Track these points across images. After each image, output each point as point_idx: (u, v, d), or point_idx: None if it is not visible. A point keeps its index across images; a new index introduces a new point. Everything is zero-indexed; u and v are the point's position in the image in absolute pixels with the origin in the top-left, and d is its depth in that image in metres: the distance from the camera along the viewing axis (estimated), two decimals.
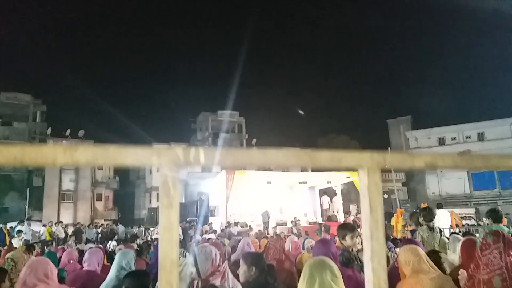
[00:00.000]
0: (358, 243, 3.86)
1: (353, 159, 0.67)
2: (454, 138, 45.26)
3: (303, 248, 6.11)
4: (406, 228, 12.32)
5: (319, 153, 0.65)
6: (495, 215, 5.42)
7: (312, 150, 0.64)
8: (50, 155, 0.60)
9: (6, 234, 15.58)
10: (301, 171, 38.15)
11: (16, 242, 14.44)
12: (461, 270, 2.70)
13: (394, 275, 2.72)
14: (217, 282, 2.64)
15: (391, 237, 6.66)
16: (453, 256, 4.59)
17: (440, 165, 0.72)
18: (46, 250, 9.20)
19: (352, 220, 18.99)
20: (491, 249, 2.16)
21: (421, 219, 5.35)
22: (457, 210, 21.03)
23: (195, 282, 2.82)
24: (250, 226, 17.88)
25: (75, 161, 0.61)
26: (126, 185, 41.23)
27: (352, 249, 3.68)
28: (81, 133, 36.07)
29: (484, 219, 6.95)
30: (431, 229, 5.28)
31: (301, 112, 48.14)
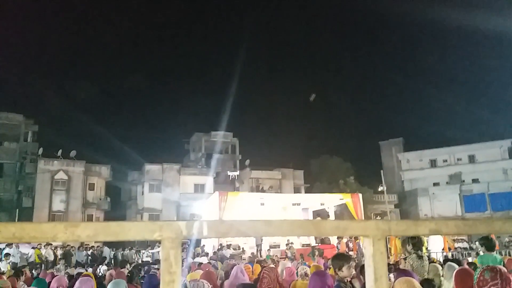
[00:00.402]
0: (353, 272, 3.83)
1: (358, 228, 0.67)
2: (446, 160, 45.68)
3: (297, 274, 6.03)
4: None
5: (325, 222, 0.65)
6: (488, 243, 5.43)
7: (317, 221, 0.63)
8: (49, 232, 0.59)
9: None
10: (295, 192, 38.27)
11: (4, 266, 14.07)
12: None
13: None
14: None
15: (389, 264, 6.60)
16: (447, 284, 4.58)
17: (444, 231, 0.71)
18: (35, 274, 8.98)
19: (346, 243, 18.84)
20: (489, 285, 2.15)
21: (409, 248, 5.33)
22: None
23: None
24: (243, 248, 17.64)
25: (76, 237, 0.60)
26: (118, 206, 40.73)
27: (347, 280, 3.63)
28: (73, 153, 35.77)
29: (478, 245, 6.96)
30: (420, 257, 5.26)
31: (313, 96, 47.65)
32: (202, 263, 10.25)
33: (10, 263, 14.92)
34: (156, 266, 13.20)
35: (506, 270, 2.28)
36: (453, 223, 0.74)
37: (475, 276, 2.57)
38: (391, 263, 7.97)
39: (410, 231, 0.70)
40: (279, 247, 18.66)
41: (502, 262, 5.75)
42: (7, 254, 15.87)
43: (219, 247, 17.45)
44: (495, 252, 5.95)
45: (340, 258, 3.82)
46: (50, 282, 6.50)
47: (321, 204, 22.26)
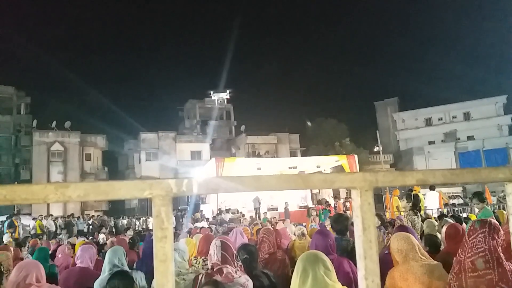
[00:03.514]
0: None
1: (345, 181, 0.68)
2: (441, 119, 45.85)
3: (295, 234, 6.18)
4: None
5: (312, 176, 0.66)
6: (480, 196, 5.70)
7: (305, 174, 0.64)
8: (40, 194, 0.59)
9: None
10: (291, 156, 38.53)
11: (6, 238, 14.32)
12: None
13: (385, 261, 2.77)
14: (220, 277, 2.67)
15: (385, 220, 6.77)
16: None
17: (431, 181, 0.73)
18: (39, 243, 9.14)
19: (343, 203, 19.24)
20: (477, 233, 2.23)
21: (405, 204, 5.52)
22: (444, 189, 21.41)
23: (200, 276, 2.86)
24: (241, 212, 17.98)
25: (66, 198, 0.60)
26: (116, 176, 40.95)
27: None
28: (67, 124, 35.53)
29: (472, 201, 7.24)
30: (416, 214, 5.45)
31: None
32: (202, 227, 10.48)
33: (13, 235, 15.16)
34: None
35: (495, 221, 2.35)
36: (440, 173, 0.75)
37: (467, 228, 2.66)
38: (387, 220, 8.17)
39: (397, 181, 0.71)
40: (277, 210, 19.03)
41: (493, 215, 5.98)
42: (10, 226, 16.11)
43: (218, 211, 17.76)
44: (486, 204, 6.19)
45: (339, 221, 3.95)
46: (55, 251, 6.66)
47: (317, 167, 22.49)
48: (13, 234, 15.23)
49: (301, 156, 39.22)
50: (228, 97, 43.70)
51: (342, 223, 3.91)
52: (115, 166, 42.69)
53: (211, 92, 43.02)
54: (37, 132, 34.48)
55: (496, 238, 2.18)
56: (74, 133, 35.46)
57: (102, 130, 38.31)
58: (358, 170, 19.99)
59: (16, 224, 16.08)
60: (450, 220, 5.11)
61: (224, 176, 0.66)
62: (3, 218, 18.97)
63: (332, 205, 19.12)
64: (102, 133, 38.01)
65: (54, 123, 35.11)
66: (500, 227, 2.26)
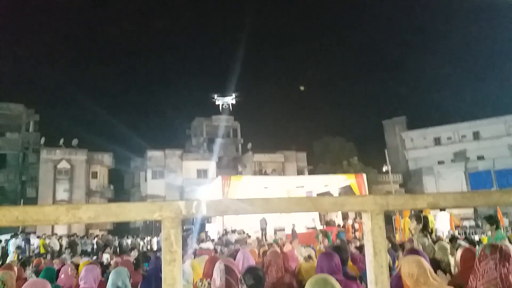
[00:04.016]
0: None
1: (356, 204, 0.67)
2: (450, 138, 45.45)
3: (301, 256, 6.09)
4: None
5: (322, 199, 0.65)
6: (492, 220, 5.53)
7: (315, 197, 0.64)
8: (52, 215, 0.60)
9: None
10: (298, 174, 38.36)
11: (11, 257, 14.27)
12: None
13: (396, 285, 2.71)
14: None
15: (396, 243, 6.62)
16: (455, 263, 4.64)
17: (442, 205, 0.72)
18: (43, 263, 9.08)
19: (352, 224, 18.98)
20: (488, 260, 2.18)
21: (416, 225, 5.40)
22: (455, 211, 21.07)
23: None
24: (247, 234, 17.75)
25: (77, 219, 0.60)
26: (121, 194, 40.99)
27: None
28: (74, 142, 35.85)
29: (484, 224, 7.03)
30: (426, 236, 5.33)
31: (302, 88, 48.21)
32: (208, 248, 10.38)
33: (18, 255, 15.09)
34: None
35: (507, 246, 2.30)
36: (451, 196, 0.74)
37: (477, 252, 2.60)
38: (397, 243, 8.03)
39: (408, 205, 0.71)
40: (284, 231, 18.76)
41: (506, 238, 5.82)
42: (19, 247, 16.08)
43: (224, 232, 17.58)
44: (500, 228, 6.03)
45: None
46: (58, 270, 6.60)
47: (325, 186, 22.30)
48: (20, 254, 15.18)
49: (309, 174, 39.04)
50: (233, 102, 41.92)
51: (340, 255, 3.81)
52: (121, 184, 42.78)
53: (215, 96, 41.12)
54: (45, 149, 34.79)
55: (507, 265, 2.14)
56: (81, 150, 35.71)
57: (109, 148, 38.64)
58: (367, 190, 19.85)
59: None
60: (464, 243, 5.00)
61: (234, 199, 0.66)
62: (7, 236, 18.95)
63: (341, 226, 18.89)
64: (109, 151, 38.30)
65: (61, 141, 35.46)
66: (510, 252, 2.22)
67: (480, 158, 41.38)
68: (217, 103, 39.24)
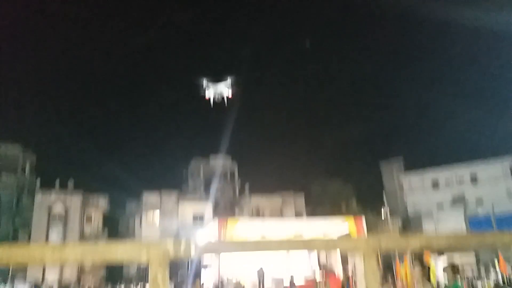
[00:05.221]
0: None
1: (348, 244, 0.66)
2: (448, 181, 45.43)
3: None
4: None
5: (314, 241, 0.64)
6: (455, 269, 5.38)
7: (307, 239, 0.63)
8: (38, 254, 0.58)
9: None
10: (296, 216, 37.82)
11: None
12: None
13: None
14: None
15: None
16: None
17: (436, 246, 0.71)
18: None
19: (352, 270, 18.45)
20: None
21: (418, 273, 5.27)
22: (456, 256, 20.63)
23: None
24: (243, 286, 17.10)
25: (63, 259, 0.59)
26: (115, 238, 40.11)
27: None
28: (70, 183, 35.55)
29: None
30: (430, 284, 5.18)
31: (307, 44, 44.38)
32: None
33: None
34: None
35: None
36: (444, 238, 0.73)
37: None
38: None
39: (401, 246, 0.70)
40: (282, 283, 18.10)
41: None
42: None
43: (220, 284, 16.95)
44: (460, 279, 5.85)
45: None
46: None
47: (323, 231, 21.78)
48: None
49: (307, 216, 38.50)
50: (229, 93, 27.44)
51: None
52: (115, 229, 41.88)
53: (204, 82, 25.87)
54: (40, 192, 34.39)
55: None
56: (76, 193, 35.34)
57: (104, 190, 38.20)
58: (366, 234, 19.47)
59: None
60: None
61: (223, 242, 0.65)
62: None
63: (341, 273, 18.34)
64: (104, 192, 37.87)
65: (57, 182, 35.15)
66: None
67: (479, 202, 41.16)
68: (207, 95, 24.76)
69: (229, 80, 24.51)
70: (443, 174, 45.63)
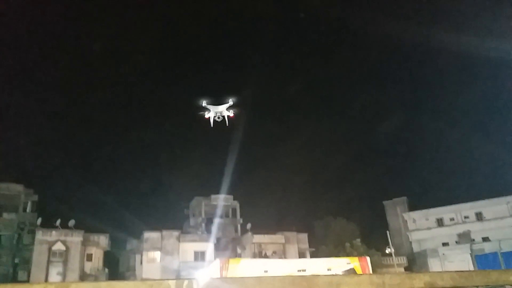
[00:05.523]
0: None
1: (351, 283, 0.66)
2: (453, 219, 44.95)
3: None
4: None
5: (317, 278, 0.64)
6: None
7: (310, 276, 0.62)
8: None
9: None
10: (299, 257, 37.04)
11: None
12: None
13: None
14: None
15: None
16: None
17: (440, 284, 0.70)
18: None
19: None
20: None
21: None
22: None
23: None
24: None
25: None
26: (116, 278, 39.21)
27: None
28: (71, 223, 35.26)
29: None
30: None
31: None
32: None
33: None
34: None
35: None
36: (448, 275, 0.73)
37: None
38: None
39: (404, 284, 0.70)
40: None
41: None
42: None
43: None
44: None
45: None
46: None
47: (328, 270, 21.36)
48: None
49: (311, 257, 37.71)
50: (231, 113, 20.73)
51: None
52: (116, 267, 41.12)
53: (204, 103, 23.00)
54: (40, 230, 34.09)
55: None
56: (77, 232, 34.97)
57: (106, 228, 37.76)
58: (371, 273, 18.96)
59: None
60: None
61: (225, 278, 0.65)
62: None
63: None
64: (105, 232, 37.44)
65: (58, 221, 34.90)
66: None
67: (486, 239, 40.59)
68: (206, 115, 23.00)
69: (230, 101, 21.31)
70: (447, 212, 45.24)
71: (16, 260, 35.17)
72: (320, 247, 41.52)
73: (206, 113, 21.93)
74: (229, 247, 40.27)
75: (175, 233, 37.76)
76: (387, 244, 37.79)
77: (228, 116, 22.03)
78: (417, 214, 47.02)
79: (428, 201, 47.94)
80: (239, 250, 39.38)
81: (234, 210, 43.79)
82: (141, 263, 36.15)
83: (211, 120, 22.26)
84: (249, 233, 39.52)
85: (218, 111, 22.59)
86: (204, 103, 22.63)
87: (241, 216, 43.43)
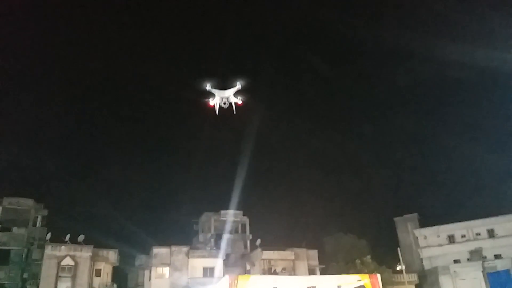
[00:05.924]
0: None
1: None
2: (464, 236, 44.29)
3: None
4: None
5: None
6: None
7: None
8: None
9: None
10: (309, 273, 36.59)
11: None
12: None
13: None
14: None
15: None
16: None
17: None
18: None
19: None
20: None
21: None
22: None
23: None
24: None
25: None
26: None
27: None
28: (80, 238, 35.36)
29: None
30: None
31: None
32: None
33: None
34: None
35: None
36: None
37: None
38: None
39: None
40: None
41: None
42: None
43: None
44: None
45: None
46: None
47: (338, 287, 21.04)
48: None
49: (320, 274, 37.25)
50: (239, 100, 20.08)
51: None
52: (124, 283, 40.99)
53: (208, 86, 17.37)
54: (50, 245, 34.23)
55: None
56: (87, 247, 35.01)
57: (114, 244, 37.81)
58: None
59: None
60: None
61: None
62: None
63: None
64: (114, 247, 37.47)
65: (68, 236, 35.05)
66: None
67: (498, 257, 40.03)
68: (211, 102, 19.34)
69: (238, 85, 17.58)
70: (459, 229, 44.60)
71: (25, 275, 35.27)
72: (330, 264, 41.05)
73: (211, 99, 19.49)
74: (239, 263, 39.97)
75: (184, 248, 37.61)
76: (397, 261, 37.33)
77: (235, 103, 19.88)
78: (428, 231, 46.41)
79: (439, 217, 47.36)
80: (248, 267, 39.05)
81: (243, 226, 43.61)
82: (150, 279, 35.98)
83: (217, 107, 19.63)
84: (259, 249, 39.19)
85: (225, 96, 19.07)
86: (208, 87, 18.75)
87: (250, 232, 43.21)
